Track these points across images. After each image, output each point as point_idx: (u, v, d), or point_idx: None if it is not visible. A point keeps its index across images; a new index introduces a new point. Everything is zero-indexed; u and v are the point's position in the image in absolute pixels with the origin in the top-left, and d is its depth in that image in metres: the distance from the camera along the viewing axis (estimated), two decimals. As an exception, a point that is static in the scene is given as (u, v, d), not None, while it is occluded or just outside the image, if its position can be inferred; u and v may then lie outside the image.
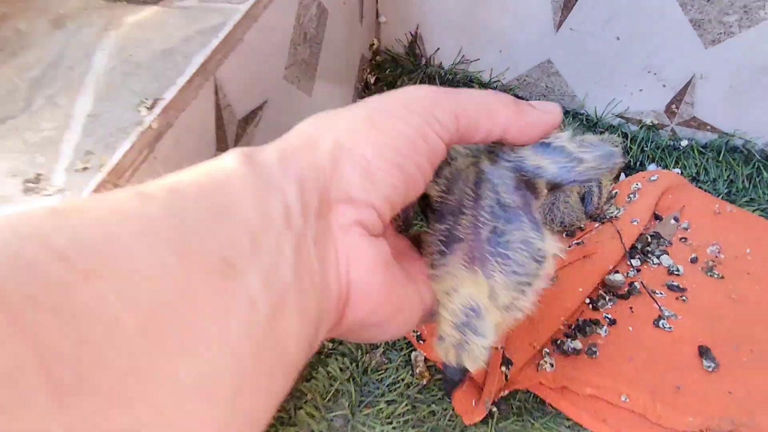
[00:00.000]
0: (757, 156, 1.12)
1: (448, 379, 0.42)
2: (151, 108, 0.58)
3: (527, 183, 0.40)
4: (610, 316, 0.97)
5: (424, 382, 0.88)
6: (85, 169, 0.53)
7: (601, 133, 1.17)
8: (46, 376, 0.19)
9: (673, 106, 1.14)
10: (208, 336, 0.24)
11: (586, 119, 1.18)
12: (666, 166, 1.16)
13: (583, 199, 1.07)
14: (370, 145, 0.33)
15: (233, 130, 0.72)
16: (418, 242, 0.45)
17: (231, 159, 0.30)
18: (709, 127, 1.15)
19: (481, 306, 0.38)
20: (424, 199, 0.43)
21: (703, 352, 0.92)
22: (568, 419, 0.87)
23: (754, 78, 1.05)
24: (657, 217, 1.10)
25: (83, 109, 0.58)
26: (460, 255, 0.40)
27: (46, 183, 0.51)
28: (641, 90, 1.13)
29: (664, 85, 1.11)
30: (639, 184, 1.11)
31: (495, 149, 0.42)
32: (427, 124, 0.35)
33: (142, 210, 0.25)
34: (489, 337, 0.39)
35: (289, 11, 0.81)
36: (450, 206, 0.40)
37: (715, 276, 1.01)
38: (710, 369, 0.90)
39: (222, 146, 0.70)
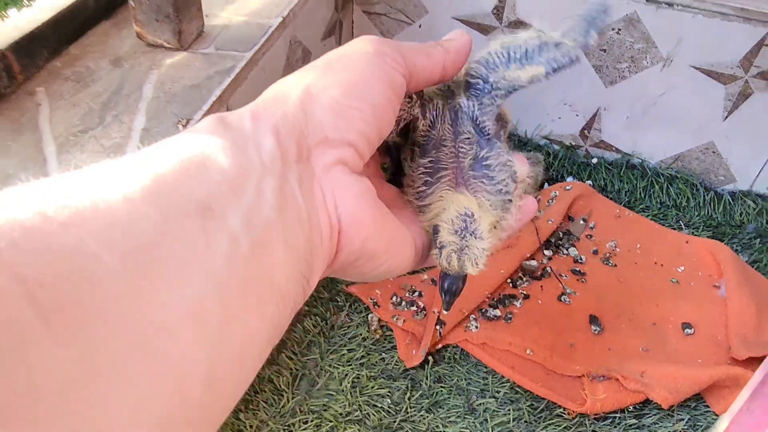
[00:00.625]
0: (650, 172, 1.41)
1: (448, 290, 0.41)
2: (185, 125, 0.85)
3: (497, 115, 0.43)
4: (525, 292, 1.25)
5: (377, 337, 1.15)
6: (143, 164, 0.80)
7: (530, 150, 1.46)
8: (30, 300, 0.20)
9: (586, 131, 1.43)
10: (191, 267, 0.25)
11: (519, 140, 1.47)
12: (581, 179, 1.45)
13: (510, 202, 1.35)
14: (335, 85, 0.35)
15: (238, 141, 1.00)
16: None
17: (205, 123, 0.31)
18: (614, 149, 1.44)
19: (474, 212, 0.40)
20: (408, 140, 0.45)
21: (593, 319, 1.20)
22: (486, 367, 1.14)
23: (645, 111, 1.35)
24: (570, 218, 1.38)
25: (139, 125, 0.86)
26: (446, 182, 0.42)
27: (118, 173, 0.79)
28: (560, 117, 1.43)
29: (577, 115, 1.41)
30: (557, 192, 1.40)
31: (469, 83, 0.44)
32: (382, 59, 0.37)
33: (120, 169, 0.26)
34: (486, 239, 0.40)
35: (280, 55, 1.10)
36: (433, 141, 0.43)
37: (610, 264, 1.30)
38: (596, 332, 1.19)
39: (230, 153, 0.98)
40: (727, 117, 1.31)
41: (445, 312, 0.43)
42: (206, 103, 0.89)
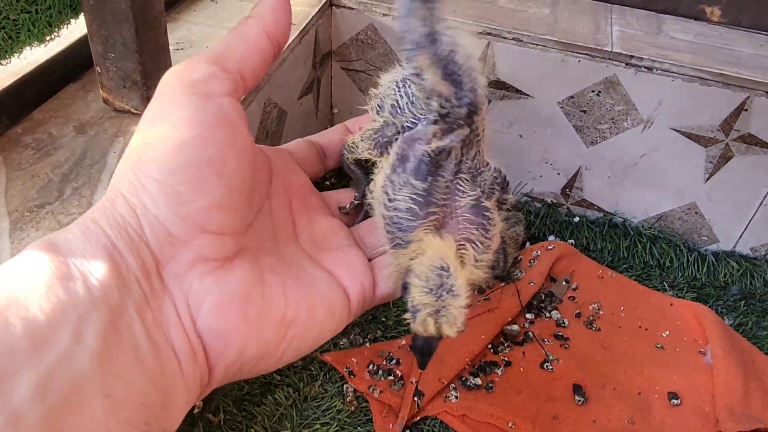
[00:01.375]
0: (633, 232, 1.39)
1: (422, 350, 0.37)
2: (149, 199, 0.82)
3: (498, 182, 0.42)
4: (506, 359, 1.21)
5: (352, 408, 1.10)
6: (102, 243, 0.76)
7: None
8: None
9: (567, 189, 1.41)
10: None
11: (500, 197, 1.45)
12: (563, 238, 1.42)
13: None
14: (156, 161, 0.29)
15: (207, 210, 0.97)
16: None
17: (30, 254, 0.27)
18: (596, 207, 1.42)
19: (450, 264, 0.36)
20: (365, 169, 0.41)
21: (576, 389, 1.16)
22: (465, 440, 1.10)
23: (626, 171, 1.34)
24: (552, 279, 1.35)
25: (100, 198, 0.82)
26: (432, 221, 0.38)
27: (74, 253, 0.75)
28: (541, 176, 1.41)
29: (558, 173, 1.39)
30: (538, 252, 1.37)
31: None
32: (196, 91, 0.30)
33: None
34: (463, 295, 0.36)
35: (254, 118, 1.07)
36: (436, 162, 0.38)
37: (594, 328, 1.27)
38: (581, 402, 1.14)
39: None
40: (708, 179, 1.29)
41: (419, 373, 0.40)
42: (172, 174, 0.85)
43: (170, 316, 0.30)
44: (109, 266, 0.28)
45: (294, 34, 1.18)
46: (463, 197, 0.39)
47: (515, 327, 1.25)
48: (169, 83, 0.33)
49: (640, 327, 1.27)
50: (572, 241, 1.42)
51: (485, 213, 0.39)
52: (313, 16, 1.24)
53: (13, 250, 0.75)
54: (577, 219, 1.43)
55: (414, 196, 0.38)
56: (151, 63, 0.90)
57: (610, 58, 1.20)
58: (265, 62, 0.36)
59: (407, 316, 0.38)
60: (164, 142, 0.31)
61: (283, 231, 0.39)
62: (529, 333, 1.25)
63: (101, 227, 0.30)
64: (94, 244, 0.29)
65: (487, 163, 0.42)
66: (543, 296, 1.31)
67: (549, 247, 1.37)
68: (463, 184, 0.39)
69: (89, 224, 0.30)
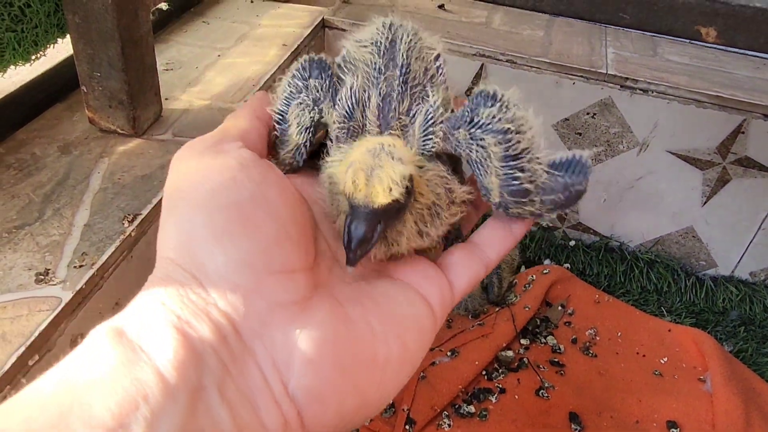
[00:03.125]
0: (629, 256, 1.37)
1: (352, 234, 0.31)
2: (131, 221, 0.79)
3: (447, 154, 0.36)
4: (501, 386, 1.18)
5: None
6: (81, 266, 0.74)
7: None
8: None
9: (563, 213, 1.39)
10: None
11: (495, 220, 1.43)
12: (559, 262, 1.40)
13: (485, 288, 1.30)
14: (197, 213, 0.28)
15: (194, 232, 0.95)
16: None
17: (94, 341, 0.25)
18: (592, 231, 1.40)
19: (396, 144, 0.33)
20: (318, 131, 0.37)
21: (573, 417, 1.13)
22: (458, 471, 1.06)
23: (622, 194, 1.32)
24: (548, 304, 1.33)
25: (82, 220, 0.80)
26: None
27: (52, 276, 0.72)
28: (537, 199, 1.39)
29: (553, 196, 1.37)
30: (534, 276, 1.34)
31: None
32: (212, 152, 0.31)
33: None
34: (407, 165, 0.32)
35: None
36: (353, 131, 0.36)
37: (590, 354, 1.24)
38: (577, 431, 1.11)
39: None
40: (706, 202, 1.28)
41: (348, 270, 0.32)
42: (156, 196, 0.83)
43: (256, 383, 0.27)
44: (180, 343, 0.25)
45: (285, 55, 1.17)
46: None
47: (510, 353, 1.22)
48: (181, 156, 0.32)
49: (637, 353, 1.24)
50: (568, 265, 1.39)
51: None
52: (305, 38, 1.23)
53: (-12, 273, 0.73)
54: (573, 243, 1.41)
55: (341, 157, 0.35)
56: (138, 82, 0.89)
57: (605, 80, 1.19)
58: (262, 139, 0.36)
59: (338, 185, 0.33)
60: (199, 192, 0.30)
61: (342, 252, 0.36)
62: (524, 359, 1.22)
63: (161, 301, 0.27)
64: (159, 322, 0.26)
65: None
66: (538, 321, 1.29)
67: (544, 272, 1.34)
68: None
69: (148, 301, 0.27)
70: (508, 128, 0.34)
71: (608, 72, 1.18)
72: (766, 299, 1.32)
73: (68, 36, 0.90)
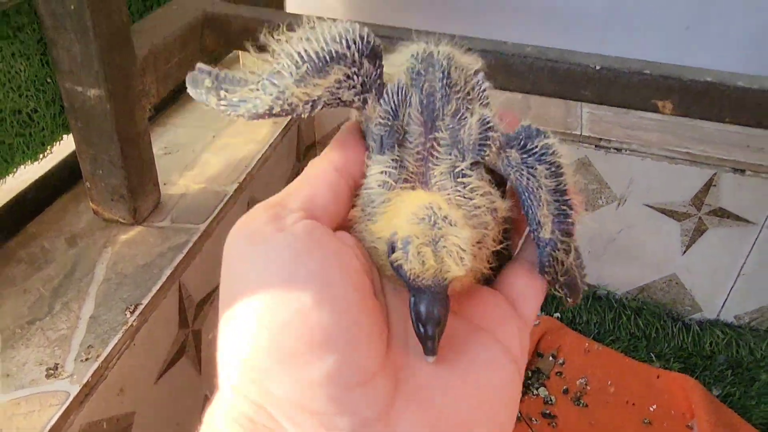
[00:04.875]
0: (617, 304, 1.41)
1: (427, 317, 0.28)
2: (133, 311, 0.86)
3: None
4: (495, 440, 1.22)
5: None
6: (86, 359, 0.80)
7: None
8: None
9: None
10: None
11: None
12: (549, 312, 1.45)
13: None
14: (262, 331, 0.26)
15: (192, 311, 1.01)
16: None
17: None
18: (579, 281, 1.45)
19: (442, 205, 0.30)
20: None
21: (565, 469, 1.17)
22: None
23: (605, 246, 1.37)
24: (539, 354, 1.37)
25: (88, 312, 0.86)
26: (408, 187, 0.32)
27: (61, 370, 0.78)
28: (524, 252, 1.45)
29: (540, 249, 1.43)
30: (524, 327, 1.39)
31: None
32: (259, 239, 0.28)
33: None
34: (465, 229, 0.29)
35: (236, 219, 1.12)
36: (394, 134, 0.33)
37: (581, 405, 1.28)
38: (570, 484, 1.15)
39: (184, 324, 0.98)
40: (686, 251, 1.33)
41: (429, 359, 0.29)
42: (156, 284, 0.90)
43: None
44: None
45: (276, 132, 1.24)
46: (437, 164, 0.32)
47: (503, 406, 1.26)
48: (233, 241, 0.29)
49: (627, 402, 1.28)
50: (558, 315, 1.44)
51: (461, 180, 0.32)
52: (295, 113, 1.31)
53: (3, 369, 0.79)
54: (561, 292, 1.46)
55: (384, 170, 0.32)
56: (137, 177, 0.96)
57: (580, 141, 1.25)
58: (338, 198, 0.31)
59: (394, 257, 0.28)
60: (255, 301, 0.26)
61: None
62: (517, 412, 1.26)
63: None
64: None
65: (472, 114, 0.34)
66: (530, 373, 1.33)
67: (535, 323, 1.39)
68: (437, 147, 0.32)
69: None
70: (561, 163, 0.33)
71: (582, 133, 1.24)
72: (751, 342, 1.35)
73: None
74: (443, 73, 0.34)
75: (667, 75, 0.92)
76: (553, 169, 0.33)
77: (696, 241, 1.31)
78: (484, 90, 0.35)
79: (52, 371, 0.79)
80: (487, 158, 0.33)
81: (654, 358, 1.37)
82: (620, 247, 1.37)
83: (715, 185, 1.23)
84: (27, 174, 1.01)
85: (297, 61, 0.32)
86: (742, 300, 1.36)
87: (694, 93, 0.93)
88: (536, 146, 0.33)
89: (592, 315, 1.43)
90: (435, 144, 0.33)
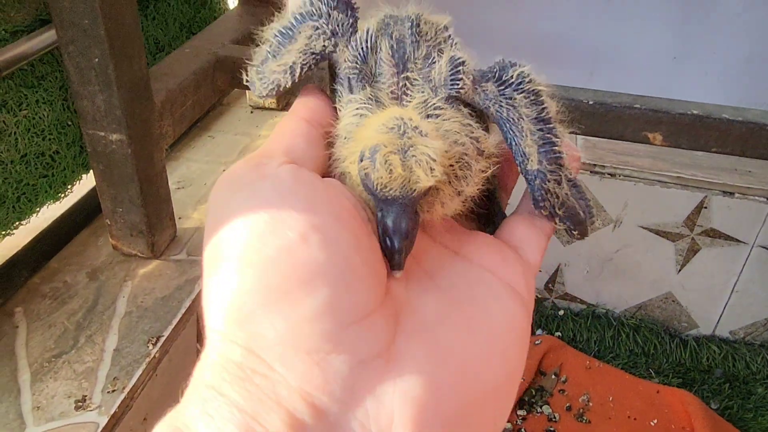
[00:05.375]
0: (615, 322, 1.46)
1: (395, 230, 0.27)
2: (155, 344, 0.90)
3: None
4: (501, 457, 1.26)
5: None
6: (113, 391, 0.84)
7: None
8: None
9: (550, 284, 1.49)
10: None
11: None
12: (550, 331, 1.49)
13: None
14: (243, 281, 0.25)
15: (209, 341, 1.05)
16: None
17: None
18: (579, 300, 1.50)
19: (413, 117, 0.29)
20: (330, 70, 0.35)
21: (570, 485, 1.21)
22: None
23: (603, 266, 1.42)
24: (542, 373, 1.42)
25: (111, 345, 0.91)
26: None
27: (89, 402, 0.83)
28: (525, 273, 1.49)
29: (540, 270, 1.47)
30: (527, 347, 1.43)
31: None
32: (244, 185, 0.27)
33: None
34: (436, 140, 0.28)
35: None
36: (365, 76, 0.32)
37: (584, 421, 1.32)
38: (574, 499, 1.19)
39: (201, 354, 1.03)
40: (680, 270, 1.37)
41: (396, 274, 0.28)
42: (175, 317, 0.94)
43: None
44: None
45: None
46: (410, 101, 0.31)
47: (508, 425, 1.30)
48: (218, 193, 0.28)
49: (629, 417, 1.32)
50: (559, 333, 1.49)
51: (435, 112, 0.31)
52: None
53: (33, 401, 0.83)
54: (561, 312, 1.50)
55: (360, 106, 0.32)
56: (155, 214, 1.01)
57: (575, 167, 1.30)
58: (314, 145, 0.31)
59: (361, 166, 0.28)
60: (240, 244, 0.25)
61: None
62: (522, 430, 1.30)
63: (219, 390, 0.23)
64: (221, 420, 0.22)
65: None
66: (533, 391, 1.37)
67: (537, 342, 1.44)
68: (410, 86, 0.32)
69: (205, 392, 0.24)
70: (539, 90, 0.32)
71: (578, 160, 1.29)
72: (747, 357, 1.40)
73: (92, 171, 1.02)
74: (412, 22, 0.33)
75: (657, 108, 0.98)
76: (531, 97, 0.32)
77: (690, 260, 1.36)
78: (456, 43, 0.34)
79: (80, 403, 0.83)
80: (462, 92, 0.32)
81: (653, 373, 1.41)
82: (617, 267, 1.42)
83: (706, 207, 1.28)
84: (49, 212, 1.06)
85: (270, 41, 0.34)
86: (736, 315, 1.41)
87: (682, 125, 0.98)
88: (511, 76, 0.32)
89: (592, 333, 1.47)
90: (407, 83, 0.32)
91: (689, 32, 1.32)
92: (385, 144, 0.27)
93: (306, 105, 0.33)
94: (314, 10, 0.33)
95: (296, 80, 0.33)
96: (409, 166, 0.27)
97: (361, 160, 0.28)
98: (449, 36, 0.34)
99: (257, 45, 0.36)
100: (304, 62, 0.33)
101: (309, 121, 0.32)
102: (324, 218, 0.26)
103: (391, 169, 0.27)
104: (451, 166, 0.30)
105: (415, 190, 0.27)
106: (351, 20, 0.34)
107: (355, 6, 0.34)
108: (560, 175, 0.31)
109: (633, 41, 1.37)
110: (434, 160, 0.27)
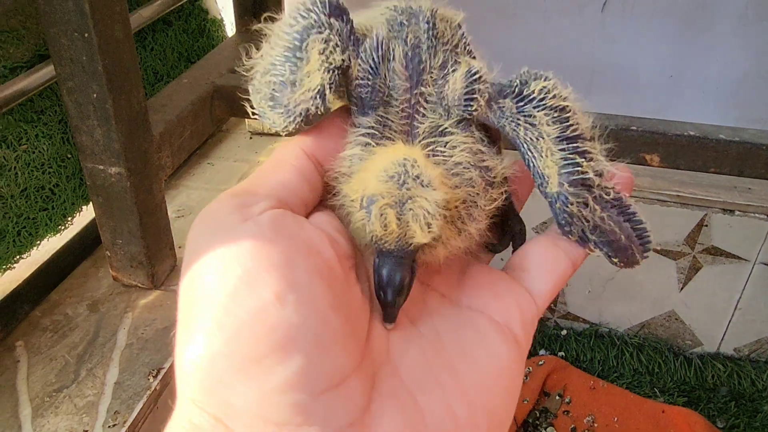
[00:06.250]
0: (619, 341, 1.45)
1: (388, 282, 0.26)
2: (155, 376, 0.90)
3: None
4: (507, 482, 1.24)
5: None
6: (114, 425, 0.84)
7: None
8: None
9: (552, 304, 1.49)
10: None
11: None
12: (553, 351, 1.49)
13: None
14: (214, 341, 0.23)
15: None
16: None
17: None
18: (581, 319, 1.49)
19: (418, 161, 0.27)
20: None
21: None
22: None
23: (604, 285, 1.42)
24: (546, 394, 1.41)
25: (112, 378, 0.90)
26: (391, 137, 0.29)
27: (90, 437, 0.83)
28: (526, 293, 1.49)
29: (542, 290, 1.47)
30: (530, 368, 1.43)
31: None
32: (222, 231, 0.25)
33: None
34: (439, 190, 0.27)
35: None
36: (377, 92, 0.30)
37: (589, 443, 1.31)
38: None
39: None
40: (683, 288, 1.37)
41: (387, 326, 0.27)
42: (176, 348, 0.94)
43: None
44: None
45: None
46: (423, 121, 0.29)
47: (513, 448, 1.30)
48: (196, 231, 0.27)
49: (634, 438, 1.31)
50: (563, 353, 1.48)
51: (444, 138, 0.29)
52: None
53: (34, 438, 0.83)
54: (564, 332, 1.50)
55: (366, 132, 0.30)
56: (155, 245, 1.01)
57: (574, 187, 1.30)
58: (309, 183, 0.29)
59: (358, 216, 0.27)
60: (213, 300, 0.24)
61: None
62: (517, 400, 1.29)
63: None
64: None
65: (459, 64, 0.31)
66: (538, 413, 1.36)
67: (540, 363, 1.43)
68: (423, 103, 0.30)
69: None
70: (564, 106, 0.30)
71: (577, 180, 1.30)
72: (752, 374, 1.39)
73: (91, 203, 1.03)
74: (428, 23, 0.31)
75: (653, 130, 0.98)
76: (555, 114, 0.29)
77: (692, 279, 1.35)
78: (469, 43, 0.32)
79: (81, 439, 0.83)
80: (475, 113, 0.30)
81: (658, 392, 1.40)
82: (620, 286, 1.42)
83: (706, 225, 1.28)
84: (49, 244, 1.06)
85: (276, 66, 0.31)
86: (740, 333, 1.40)
87: (679, 146, 0.99)
88: (533, 91, 0.30)
89: (595, 353, 1.46)
90: (421, 100, 0.30)
91: (685, 51, 1.33)
92: (382, 195, 0.26)
93: (312, 133, 0.31)
94: (313, 22, 0.30)
95: (327, 104, 0.30)
96: (405, 221, 0.26)
97: (362, 207, 0.27)
98: (463, 34, 0.32)
99: (251, 77, 0.33)
100: (331, 81, 0.30)
101: (308, 152, 0.30)
102: (301, 275, 0.25)
103: (386, 224, 0.26)
104: (456, 207, 0.29)
105: (410, 245, 0.27)
106: (348, 26, 0.31)
107: (345, 8, 0.31)
108: (587, 197, 0.29)
109: (629, 60, 1.37)
110: (432, 215, 0.26)
